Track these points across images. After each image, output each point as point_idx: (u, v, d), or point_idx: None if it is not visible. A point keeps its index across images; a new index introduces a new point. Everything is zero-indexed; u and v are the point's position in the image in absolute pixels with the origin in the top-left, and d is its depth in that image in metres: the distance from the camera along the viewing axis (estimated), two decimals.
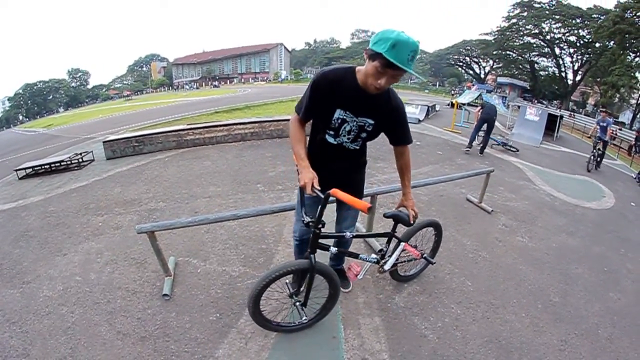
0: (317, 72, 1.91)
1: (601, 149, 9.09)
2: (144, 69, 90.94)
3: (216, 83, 66.32)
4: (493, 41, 44.27)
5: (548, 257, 3.59)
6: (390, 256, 2.48)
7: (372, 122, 1.92)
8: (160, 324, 2.53)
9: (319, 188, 1.79)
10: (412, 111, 13.76)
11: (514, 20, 40.71)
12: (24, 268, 4.06)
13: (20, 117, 70.06)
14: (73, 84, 79.14)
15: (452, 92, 38.07)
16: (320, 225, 1.93)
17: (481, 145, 8.61)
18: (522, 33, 40.91)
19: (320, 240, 2.01)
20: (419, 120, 12.92)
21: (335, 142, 2.00)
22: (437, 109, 16.68)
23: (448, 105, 19.97)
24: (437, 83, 53.59)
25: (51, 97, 74.88)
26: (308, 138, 2.11)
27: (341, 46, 76.93)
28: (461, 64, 55.76)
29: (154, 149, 8.30)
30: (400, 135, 2.05)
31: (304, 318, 2.22)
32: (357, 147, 2.06)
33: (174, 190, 5.48)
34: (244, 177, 5.77)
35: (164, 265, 2.90)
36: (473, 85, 37.49)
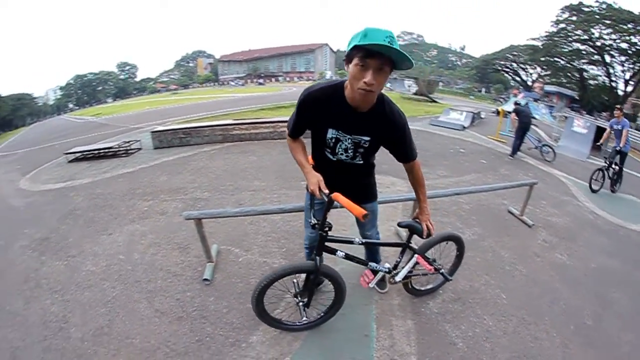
0: (304, 91, 1.81)
1: (618, 163, 6.90)
2: (191, 64, 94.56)
3: (261, 81, 67.63)
4: (541, 47, 41.98)
5: (586, 277, 3.44)
6: (403, 267, 2.41)
7: (367, 138, 1.82)
8: (198, 306, 2.65)
9: (326, 191, 1.77)
10: (457, 117, 13.43)
11: (563, 25, 38.26)
12: (69, 243, 4.32)
13: (70, 105, 74.95)
14: (121, 77, 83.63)
15: (500, 98, 36.78)
16: (326, 228, 1.91)
17: (516, 147, 8.72)
18: (570, 39, 38.43)
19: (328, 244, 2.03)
20: (464, 127, 12.55)
21: (334, 159, 1.95)
22: (482, 116, 16.19)
23: (494, 112, 19.35)
24: (483, 89, 51.96)
25: (100, 88, 79.61)
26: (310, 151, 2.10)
27: None
28: (508, 70, 53.64)
29: (200, 141, 8.56)
30: (403, 153, 1.92)
31: (304, 319, 2.24)
32: (361, 162, 1.96)
33: (219, 181, 5.66)
34: (289, 173, 5.86)
35: (207, 252, 3.03)
36: (520, 92, 36.26)
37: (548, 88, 40.98)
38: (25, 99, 69.16)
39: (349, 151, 1.89)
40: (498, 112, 14.34)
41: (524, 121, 8.67)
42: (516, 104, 9.42)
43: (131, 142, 9.06)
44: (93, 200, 5.49)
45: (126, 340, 2.52)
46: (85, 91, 78.41)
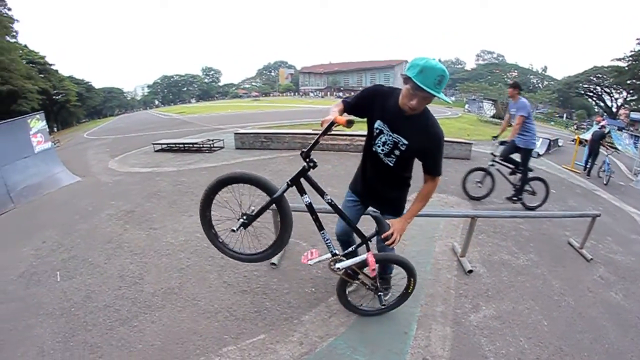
0: (375, 84, 2.21)
1: (519, 164, 5.61)
2: (272, 73, 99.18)
3: (340, 94, 67.87)
4: (626, 68, 37.85)
5: (639, 321, 3.29)
6: (348, 259, 2.39)
7: (405, 142, 2.04)
8: (262, 284, 3.07)
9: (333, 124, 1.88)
10: None
11: None
12: (152, 218, 4.95)
13: (156, 102, 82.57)
14: (206, 80, 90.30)
15: (578, 125, 33.85)
16: (311, 163, 2.06)
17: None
18: None
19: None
20: (539, 155, 11.90)
21: (373, 150, 2.21)
22: (559, 143, 15.22)
23: (572, 141, 18.09)
24: (565, 115, 48.17)
25: (185, 88, 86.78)
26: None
27: (466, 67, 74.79)
28: (591, 94, 49.18)
29: (280, 146, 9.20)
30: (429, 165, 2.11)
31: (230, 231, 2.27)
32: (391, 165, 2.16)
33: None
34: None
35: None
36: (603, 119, 33.08)
37: (634, 115, 36.51)
38: (115, 92, 76.88)
39: (387, 146, 2.13)
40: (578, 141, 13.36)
41: (594, 140, 9.45)
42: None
43: (215, 141, 9.96)
44: (177, 186, 6.21)
45: (193, 301, 2.99)
46: (171, 90, 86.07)
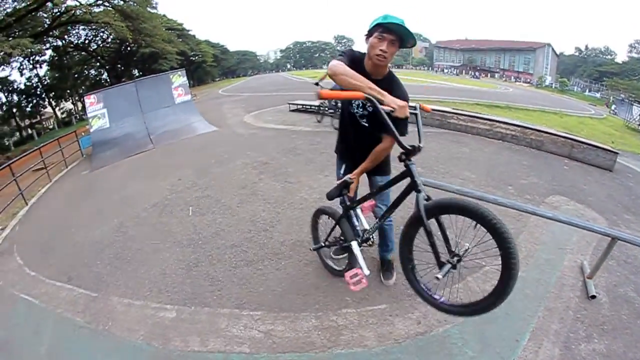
0: (350, 48, 2.25)
1: None
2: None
3: (477, 74, 63.43)
4: None
5: None
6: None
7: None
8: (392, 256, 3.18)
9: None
10: None
11: None
12: (288, 172, 5.31)
13: (288, 66, 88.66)
14: (338, 48, 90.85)
15: None
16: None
17: None
18: None
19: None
20: None
21: (352, 111, 2.40)
22: None
23: None
24: None
25: (317, 55, 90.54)
26: None
27: (616, 59, 62.51)
28: None
29: (413, 120, 9.20)
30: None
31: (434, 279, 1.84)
32: (366, 125, 2.36)
33: (432, 162, 6.15)
34: (497, 175, 5.93)
35: None
36: None
37: None
38: (249, 55, 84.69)
39: (360, 108, 2.35)
40: None
41: None
42: None
43: None
44: (313, 145, 6.68)
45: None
46: (303, 56, 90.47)
